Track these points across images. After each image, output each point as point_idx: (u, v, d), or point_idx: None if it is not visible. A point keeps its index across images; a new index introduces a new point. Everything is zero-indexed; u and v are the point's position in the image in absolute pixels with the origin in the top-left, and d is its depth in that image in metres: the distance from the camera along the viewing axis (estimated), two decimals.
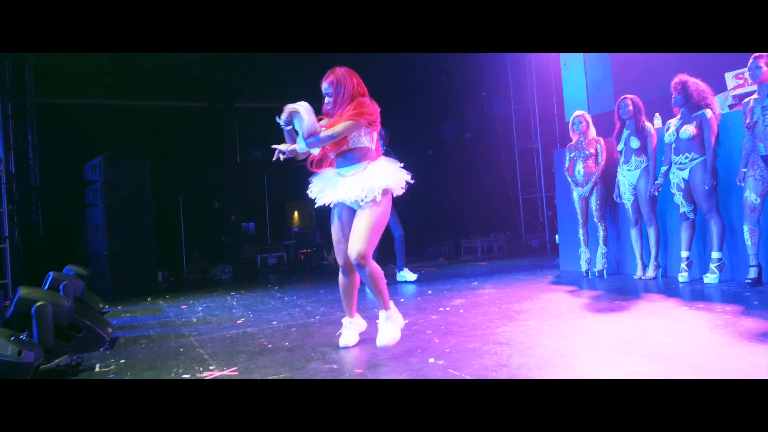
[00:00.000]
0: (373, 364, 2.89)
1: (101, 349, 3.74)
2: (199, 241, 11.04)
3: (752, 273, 4.29)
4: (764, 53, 4.19)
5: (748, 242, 4.29)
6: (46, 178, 8.68)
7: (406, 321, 3.92)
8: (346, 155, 3.10)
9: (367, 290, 3.23)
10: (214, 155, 11.29)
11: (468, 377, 2.49)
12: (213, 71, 10.62)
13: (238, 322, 4.53)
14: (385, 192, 3.01)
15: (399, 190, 3.11)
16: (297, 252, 10.59)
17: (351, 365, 2.89)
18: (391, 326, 3.08)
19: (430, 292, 5.49)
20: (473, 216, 11.13)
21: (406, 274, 6.58)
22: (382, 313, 3.12)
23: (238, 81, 11.16)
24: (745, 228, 4.29)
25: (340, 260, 3.23)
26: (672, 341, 2.88)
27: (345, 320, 3.44)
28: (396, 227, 6.40)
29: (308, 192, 3.28)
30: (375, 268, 3.02)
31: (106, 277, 6.96)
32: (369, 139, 3.09)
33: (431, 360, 2.84)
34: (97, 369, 3.15)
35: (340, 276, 3.32)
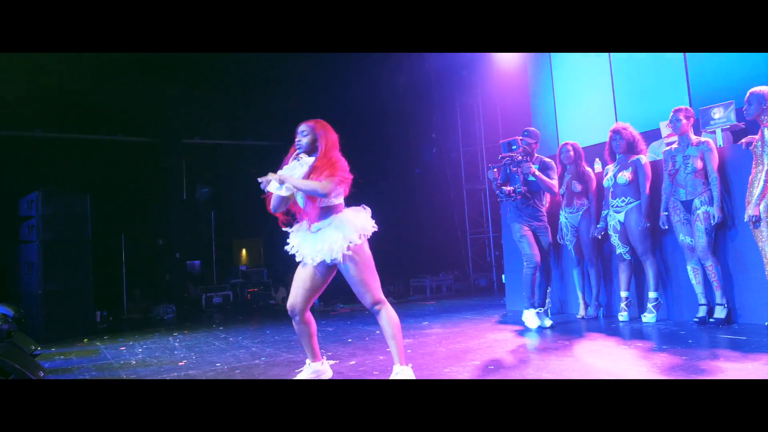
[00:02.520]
0: None
1: None
2: (141, 280, 10.69)
3: (701, 312, 4.46)
4: (683, 107, 4.51)
5: (693, 281, 4.48)
6: None
7: (353, 362, 3.89)
8: (319, 211, 3.07)
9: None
10: (159, 191, 11.06)
11: None
12: (160, 106, 10.49)
13: (180, 364, 4.38)
14: (350, 247, 2.98)
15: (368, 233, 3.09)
16: (244, 291, 10.38)
17: None
18: (402, 378, 2.99)
19: (378, 332, 5.46)
20: (422, 255, 11.23)
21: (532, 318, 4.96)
22: (396, 366, 3.03)
23: (185, 116, 11.05)
24: (689, 268, 4.50)
25: (289, 303, 3.18)
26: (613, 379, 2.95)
27: (307, 361, 3.37)
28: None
29: (287, 247, 3.23)
30: (391, 314, 3.04)
31: (40, 318, 6.62)
32: (338, 197, 3.09)
33: None
34: None
35: (294, 323, 3.26)
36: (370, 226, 3.10)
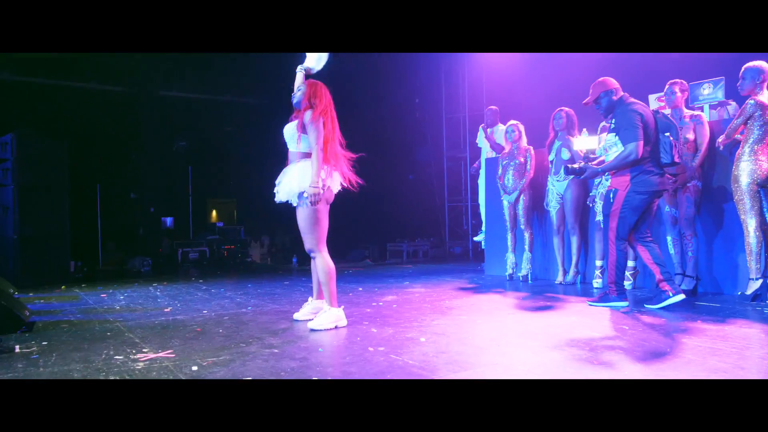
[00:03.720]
0: (313, 349, 2.89)
1: (18, 331, 3.51)
2: (114, 232, 10.54)
3: (677, 280, 4.61)
4: (678, 80, 4.56)
5: (671, 251, 4.63)
6: None
7: (335, 328, 3.95)
8: (291, 156, 3.59)
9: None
10: (135, 143, 10.83)
11: (411, 361, 2.55)
12: (136, 56, 10.19)
13: (166, 310, 4.37)
14: (302, 194, 3.40)
15: (327, 190, 3.45)
16: (220, 248, 10.32)
17: (291, 350, 2.88)
18: (327, 316, 3.44)
19: (360, 289, 5.52)
20: (399, 221, 11.29)
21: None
22: (325, 305, 3.49)
23: (162, 68, 10.77)
24: (668, 238, 4.64)
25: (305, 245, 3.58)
26: (597, 335, 3.07)
27: (309, 298, 3.83)
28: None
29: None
30: (327, 262, 3.46)
31: (15, 263, 6.50)
32: (305, 144, 3.49)
33: (370, 349, 2.87)
34: (17, 350, 2.96)
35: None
36: (310, 186, 3.35)
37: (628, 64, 6.88)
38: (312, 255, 3.50)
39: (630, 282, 4.96)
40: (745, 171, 3.96)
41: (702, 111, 4.96)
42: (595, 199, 5.08)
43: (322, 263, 3.46)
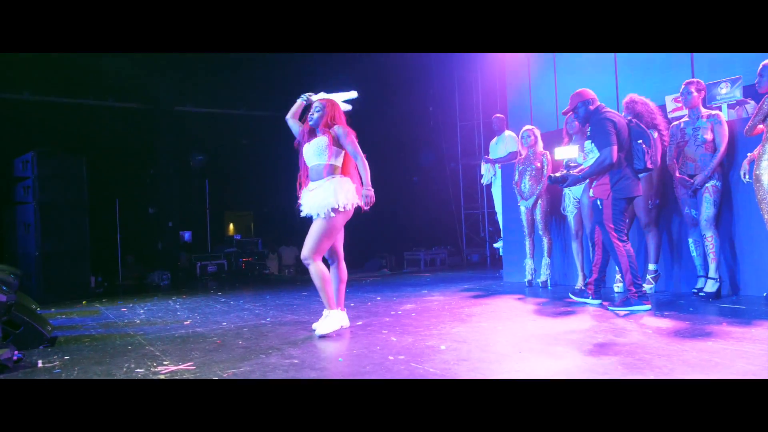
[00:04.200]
0: (333, 359, 2.88)
1: (41, 347, 3.54)
2: (134, 246, 10.65)
3: (699, 283, 4.54)
4: (694, 80, 4.51)
5: (693, 253, 4.56)
6: None
7: (360, 323, 3.95)
8: (314, 170, 3.69)
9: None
10: (152, 158, 10.95)
11: (432, 369, 2.53)
12: (148, 73, 10.34)
13: (186, 323, 4.40)
14: (335, 210, 3.53)
15: (352, 207, 3.63)
16: (238, 260, 10.37)
17: (311, 360, 2.87)
18: (330, 321, 3.58)
19: (378, 298, 5.51)
20: (416, 229, 11.27)
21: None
22: (325, 311, 3.63)
23: (177, 84, 10.91)
24: (690, 240, 4.57)
25: (325, 254, 3.74)
26: (621, 340, 3.02)
27: (325, 311, 3.73)
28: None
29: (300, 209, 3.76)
30: (320, 269, 3.58)
31: (37, 279, 6.59)
32: (339, 159, 3.68)
33: (390, 357, 2.85)
34: (39, 365, 2.98)
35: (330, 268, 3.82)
36: (351, 202, 3.61)
37: (643, 66, 6.83)
38: (306, 262, 3.57)
39: (651, 286, 4.89)
40: (766, 170, 3.89)
41: (720, 110, 4.89)
42: None
43: (317, 270, 3.57)
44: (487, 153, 7.27)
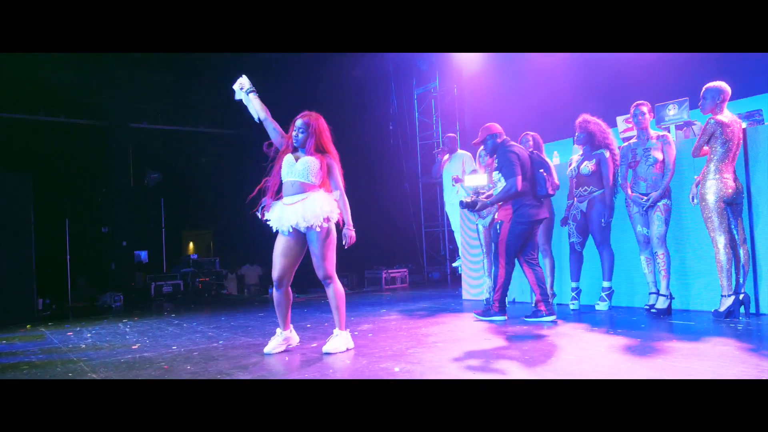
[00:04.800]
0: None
1: None
2: (86, 268, 10.30)
3: (651, 300, 4.60)
4: (645, 102, 4.63)
5: (645, 270, 4.63)
6: None
7: (314, 345, 3.88)
8: (295, 185, 3.56)
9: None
10: (105, 177, 10.67)
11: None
12: (104, 88, 10.11)
13: (134, 347, 4.23)
14: (328, 220, 3.52)
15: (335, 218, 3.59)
16: (195, 280, 10.12)
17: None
18: (340, 340, 3.59)
19: None
20: (377, 248, 11.21)
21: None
22: (336, 330, 3.64)
23: (133, 100, 10.69)
24: (642, 258, 4.64)
25: (275, 274, 3.61)
26: (572, 358, 3.03)
27: (278, 330, 3.76)
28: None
29: (267, 221, 3.66)
30: (339, 288, 3.63)
31: None
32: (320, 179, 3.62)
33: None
34: None
35: (273, 291, 3.69)
36: (336, 212, 3.59)
37: (595, 86, 7.00)
38: (327, 282, 3.59)
39: (606, 303, 4.95)
40: (711, 189, 4.00)
41: (668, 131, 5.03)
42: (568, 221, 5.09)
43: (337, 289, 3.63)
44: (438, 167, 7.27)
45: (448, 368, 2.95)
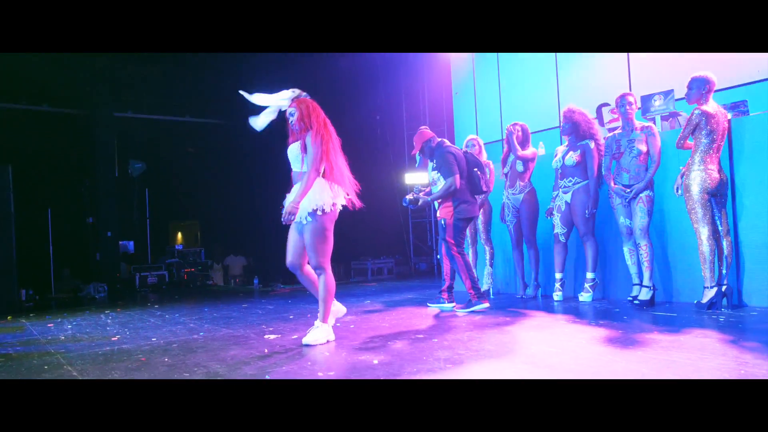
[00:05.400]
0: (260, 376, 2.76)
1: None
2: (70, 258, 10.20)
3: (635, 291, 4.60)
4: (631, 93, 4.61)
5: (629, 262, 4.62)
6: None
7: (295, 336, 3.86)
8: (296, 175, 3.59)
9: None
10: (89, 166, 10.53)
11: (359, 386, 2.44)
12: (90, 77, 9.96)
13: (113, 339, 4.18)
14: (314, 212, 3.43)
15: (334, 207, 3.53)
16: (180, 271, 10.05)
17: (236, 377, 2.74)
18: (320, 332, 3.55)
19: None
20: (363, 239, 11.19)
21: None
22: (317, 322, 3.59)
23: (117, 89, 10.55)
24: (625, 249, 4.63)
25: (288, 261, 3.65)
26: (553, 350, 3.01)
27: (317, 322, 3.69)
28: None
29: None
30: (329, 280, 3.58)
31: None
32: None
33: (320, 373, 2.76)
34: None
35: (298, 277, 3.74)
36: (329, 203, 3.48)
37: (580, 79, 6.98)
38: (318, 272, 3.56)
39: (590, 294, 4.95)
40: (695, 180, 3.99)
41: (653, 122, 5.02)
42: (553, 212, 5.08)
43: (327, 280, 3.57)
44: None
45: (427, 361, 2.92)
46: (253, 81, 10.19)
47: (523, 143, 5.35)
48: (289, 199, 3.51)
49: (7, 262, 6.76)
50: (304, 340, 3.52)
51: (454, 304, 4.92)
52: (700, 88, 4.01)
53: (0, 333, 4.88)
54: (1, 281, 6.64)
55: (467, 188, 4.82)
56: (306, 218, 3.45)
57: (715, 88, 4.07)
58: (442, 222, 4.82)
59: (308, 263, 3.63)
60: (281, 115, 3.69)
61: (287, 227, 3.62)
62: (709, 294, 4.02)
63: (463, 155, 4.88)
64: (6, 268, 6.73)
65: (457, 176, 4.70)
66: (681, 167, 4.22)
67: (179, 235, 15.20)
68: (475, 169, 4.86)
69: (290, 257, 3.63)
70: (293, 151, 3.59)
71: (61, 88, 9.97)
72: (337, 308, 3.86)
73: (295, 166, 3.60)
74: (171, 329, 4.55)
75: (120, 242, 10.67)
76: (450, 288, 5.09)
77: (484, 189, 4.93)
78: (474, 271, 4.87)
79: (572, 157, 4.87)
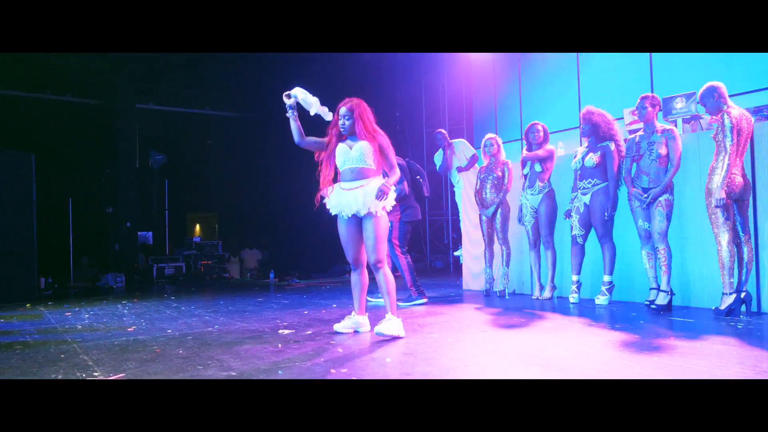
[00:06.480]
0: (273, 372, 2.77)
1: None
2: (89, 248, 10.33)
3: (652, 295, 4.54)
4: (649, 95, 4.54)
5: (646, 266, 4.56)
6: None
7: (309, 332, 3.86)
8: (354, 171, 3.62)
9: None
10: (110, 157, 10.66)
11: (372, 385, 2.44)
12: (113, 68, 10.07)
13: (129, 329, 4.23)
14: (384, 207, 3.59)
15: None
16: (197, 263, 10.14)
17: (250, 372, 2.76)
18: (393, 324, 3.58)
19: (335, 305, 5.42)
20: None
21: None
22: (388, 315, 3.63)
23: (139, 81, 10.64)
24: (643, 253, 4.57)
25: (349, 257, 3.77)
26: (567, 353, 2.99)
27: (352, 312, 3.90)
28: None
29: (326, 206, 3.73)
30: (388, 273, 3.66)
31: None
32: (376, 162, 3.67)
33: (333, 371, 2.76)
34: None
35: (353, 274, 3.85)
36: (391, 202, 3.63)
37: (602, 79, 6.90)
38: (377, 266, 3.62)
39: (606, 297, 4.89)
40: (717, 184, 3.92)
41: (675, 125, 4.94)
42: (571, 213, 5.03)
43: (386, 274, 3.66)
44: (446, 162, 7.20)
45: (441, 360, 2.92)
46: (275, 75, 10.23)
47: (544, 143, 5.30)
48: (359, 199, 3.56)
49: (28, 249, 6.87)
50: (377, 329, 3.57)
51: (426, 299, 5.39)
52: (710, 96, 3.96)
53: (19, 321, 4.97)
54: (21, 268, 6.74)
55: (413, 194, 5.33)
56: (378, 212, 3.56)
57: (726, 92, 3.99)
58: (391, 224, 5.02)
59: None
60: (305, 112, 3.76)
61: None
62: (728, 300, 3.95)
63: (407, 164, 5.36)
64: (27, 255, 6.84)
65: (405, 183, 5.15)
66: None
67: (197, 226, 15.33)
68: (418, 177, 5.47)
69: (354, 252, 3.73)
70: (361, 150, 3.61)
71: (84, 78, 10.09)
72: (363, 321, 3.90)
73: (359, 163, 3.62)
74: (186, 321, 4.59)
75: (139, 233, 10.79)
76: (417, 284, 5.42)
77: (426, 194, 5.63)
78: (414, 271, 5.43)
79: (592, 159, 4.82)
